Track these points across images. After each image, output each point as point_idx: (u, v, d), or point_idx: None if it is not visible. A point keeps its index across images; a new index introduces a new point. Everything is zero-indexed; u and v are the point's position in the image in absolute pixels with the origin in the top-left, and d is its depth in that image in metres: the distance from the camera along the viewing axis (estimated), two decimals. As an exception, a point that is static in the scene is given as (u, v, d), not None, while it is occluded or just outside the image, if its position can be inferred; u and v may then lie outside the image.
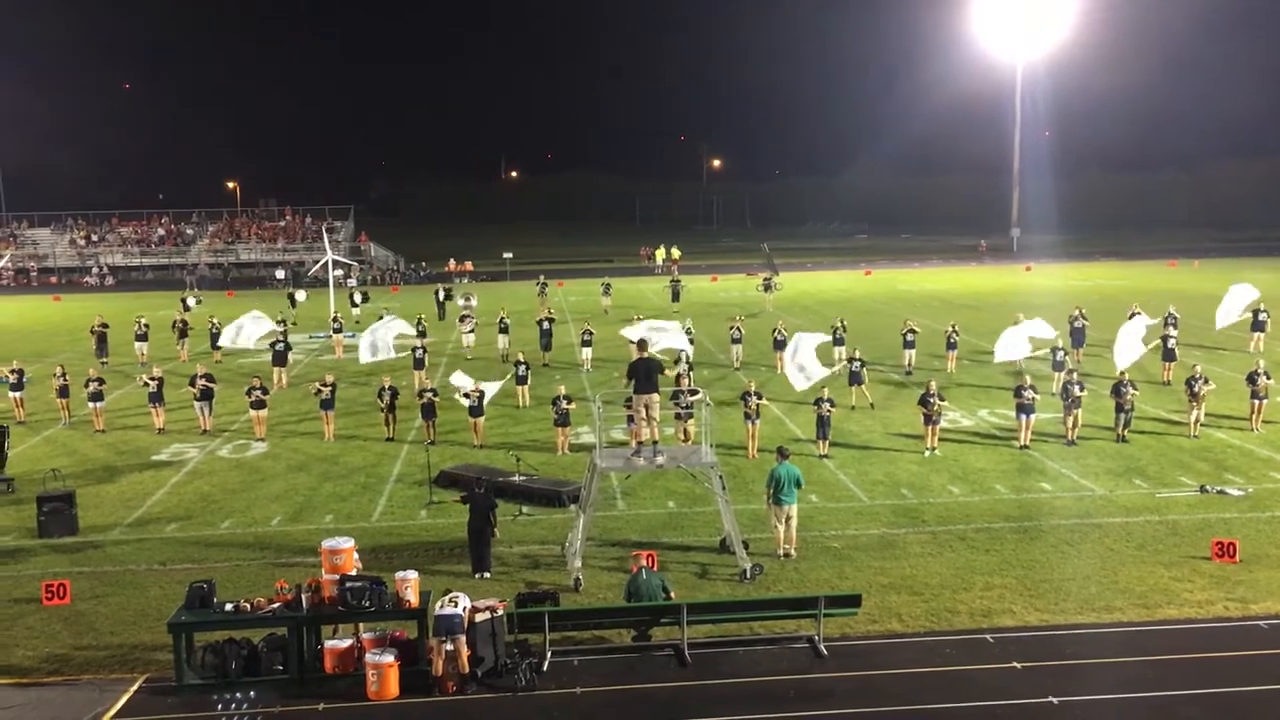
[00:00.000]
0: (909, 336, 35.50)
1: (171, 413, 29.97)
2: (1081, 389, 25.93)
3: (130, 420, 30.76)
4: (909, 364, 35.29)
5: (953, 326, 36.18)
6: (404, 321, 36.46)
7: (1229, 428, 26.78)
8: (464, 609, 14.22)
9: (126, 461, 26.37)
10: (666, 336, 30.76)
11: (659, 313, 51.08)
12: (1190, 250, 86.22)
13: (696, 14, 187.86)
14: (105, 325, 41.13)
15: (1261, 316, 37.51)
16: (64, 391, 30.45)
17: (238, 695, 14.12)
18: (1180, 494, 21.76)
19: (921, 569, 17.95)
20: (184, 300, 53.58)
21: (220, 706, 13.84)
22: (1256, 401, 26.64)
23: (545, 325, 39.30)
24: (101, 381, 30.12)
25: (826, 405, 25.18)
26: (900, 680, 14.17)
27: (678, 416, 25.58)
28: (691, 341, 36.94)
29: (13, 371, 31.24)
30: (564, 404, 25.80)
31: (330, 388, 28.01)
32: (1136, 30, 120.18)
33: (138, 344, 40.43)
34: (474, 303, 47.88)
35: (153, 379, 29.59)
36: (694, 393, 25.03)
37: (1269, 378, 26.91)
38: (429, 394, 27.47)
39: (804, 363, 27.78)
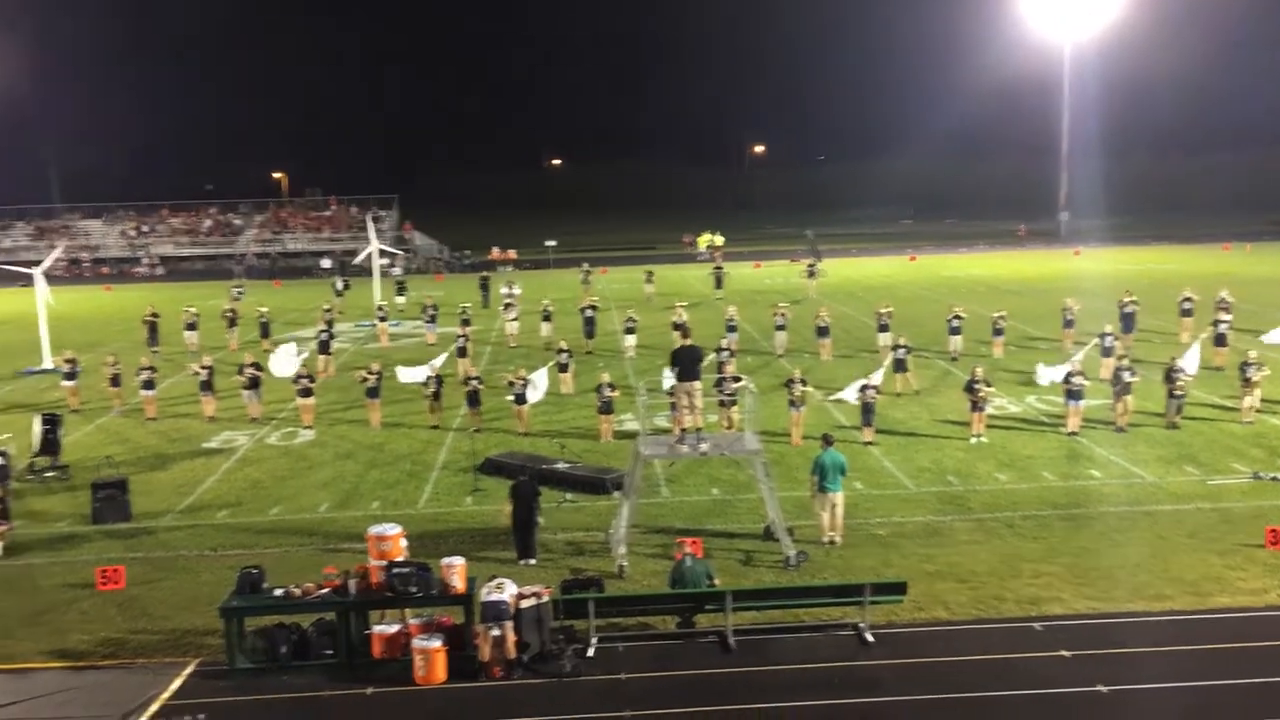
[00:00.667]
0: (955, 323, 35.17)
1: (221, 401, 30.37)
2: (1132, 375, 25.56)
3: (181, 408, 31.23)
4: (955, 350, 34.97)
5: (1000, 312, 35.80)
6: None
7: (1284, 414, 26.30)
8: (510, 595, 14.31)
9: (178, 449, 26.79)
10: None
11: (702, 300, 51.09)
12: (1243, 234, 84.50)
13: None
14: (156, 315, 41.75)
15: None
16: (116, 380, 30.95)
17: (288, 679, 14.31)
18: (1233, 481, 21.41)
19: (968, 556, 17.81)
20: (232, 292, 54.30)
21: (271, 690, 14.03)
22: None
23: (589, 313, 39.37)
24: (153, 370, 30.60)
25: (871, 392, 25.02)
26: (946, 668, 14.08)
27: (721, 404, 25.54)
28: (734, 328, 37.00)
29: (67, 361, 31.81)
30: (607, 391, 25.84)
31: (376, 375, 28.25)
32: (1188, 9, 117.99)
33: (187, 333, 41.02)
34: (517, 291, 48.02)
35: (203, 368, 30.01)
36: (737, 379, 25.00)
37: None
38: (474, 381, 27.63)
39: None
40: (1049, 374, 27.63)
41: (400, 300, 52.64)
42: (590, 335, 39.14)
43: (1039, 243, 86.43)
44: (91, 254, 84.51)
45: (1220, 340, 32.15)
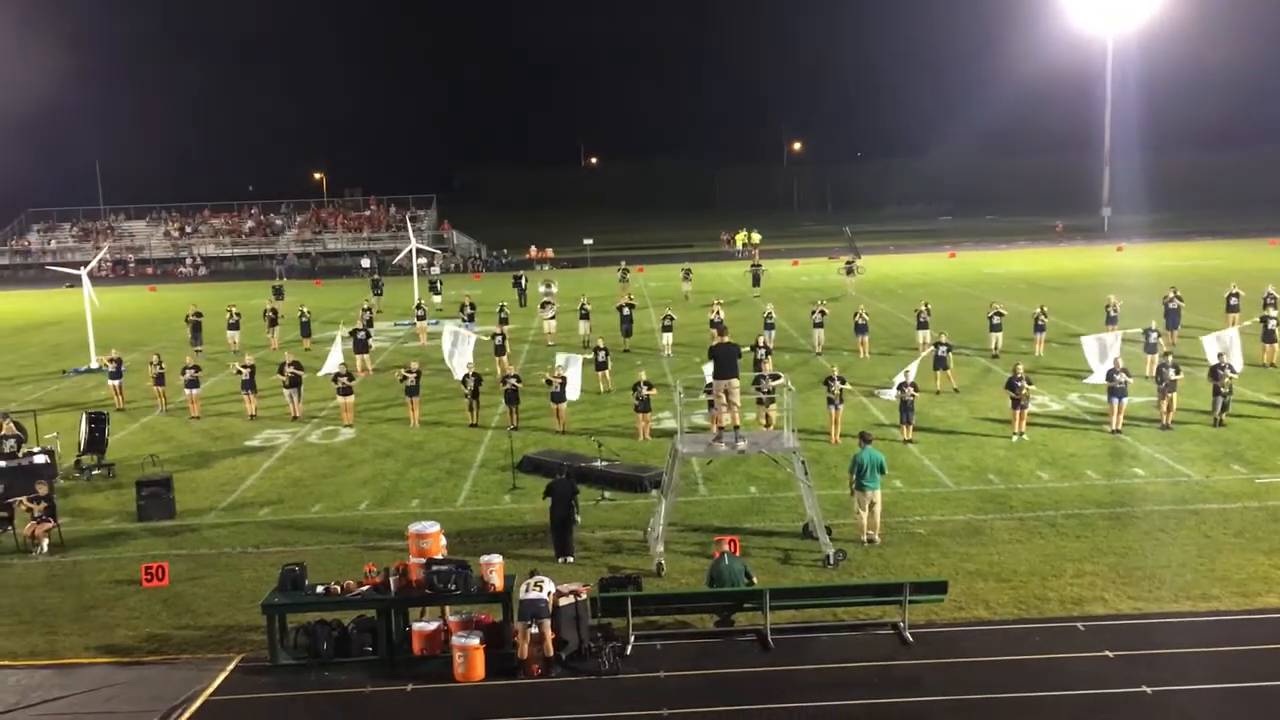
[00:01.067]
0: (995, 319, 34.85)
1: (263, 399, 30.69)
2: (1177, 372, 25.21)
3: (224, 407, 31.57)
4: (996, 347, 34.66)
5: (1041, 309, 35.45)
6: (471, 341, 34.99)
7: (1333, 411, 25.84)
8: (549, 593, 14.35)
9: (221, 447, 27.09)
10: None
11: (739, 297, 50.98)
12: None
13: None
14: (200, 314, 42.24)
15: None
16: (160, 379, 31.34)
17: (329, 675, 14.43)
18: (1281, 480, 21.07)
19: (1009, 556, 17.64)
20: (275, 289, 54.88)
21: (313, 686, 14.15)
22: None
23: (626, 311, 39.40)
24: (197, 369, 30.98)
25: (910, 390, 24.84)
26: (988, 668, 13.96)
27: (759, 401, 25.46)
28: (772, 326, 36.89)
29: (112, 360, 32.25)
30: (645, 390, 25.84)
31: (415, 374, 28.42)
32: (1232, 2, 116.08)
33: (230, 332, 41.47)
34: (555, 289, 48.17)
35: (245, 367, 30.32)
36: (775, 377, 24.90)
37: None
38: (512, 380, 27.73)
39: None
40: (1099, 366, 27.42)
41: (437, 299, 52.93)
42: (628, 333, 39.17)
43: (1081, 239, 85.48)
44: (136, 255, 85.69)
45: (1269, 337, 31.67)
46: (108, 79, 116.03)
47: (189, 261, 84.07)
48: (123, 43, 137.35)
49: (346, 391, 28.57)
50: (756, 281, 54.35)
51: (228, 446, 27.12)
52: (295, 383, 29.62)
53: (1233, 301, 36.52)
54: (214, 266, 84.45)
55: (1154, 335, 30.92)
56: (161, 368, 31.44)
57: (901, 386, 25.02)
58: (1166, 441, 24.02)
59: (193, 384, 30.41)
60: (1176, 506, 19.78)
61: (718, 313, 37.34)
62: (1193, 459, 22.67)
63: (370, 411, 30.02)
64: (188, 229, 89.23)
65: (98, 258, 47.83)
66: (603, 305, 45.15)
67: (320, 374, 32.39)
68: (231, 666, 14.77)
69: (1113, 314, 35.65)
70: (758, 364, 28.19)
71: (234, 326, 41.60)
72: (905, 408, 24.85)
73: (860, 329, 35.55)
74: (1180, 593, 15.95)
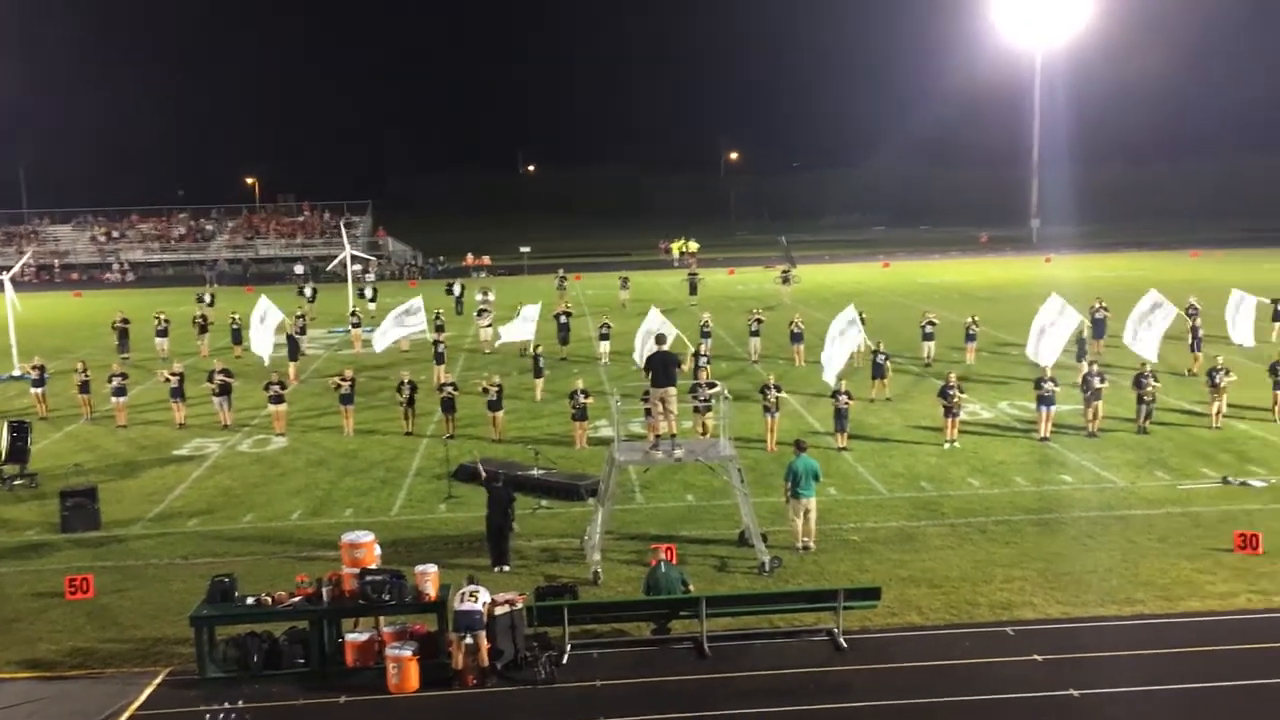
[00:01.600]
0: (928, 329, 35.36)
1: (192, 408, 30.13)
2: (1102, 380, 25.80)
3: (151, 415, 30.95)
4: (928, 356, 35.16)
5: (972, 318, 36.05)
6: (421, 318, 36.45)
7: (1252, 419, 26.57)
8: (484, 604, 14.24)
9: (148, 456, 26.55)
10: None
11: (676, 305, 51.13)
12: (1213, 240, 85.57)
13: (714, 5, 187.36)
14: (127, 321, 41.42)
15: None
16: (85, 387, 30.65)
17: (259, 688, 14.20)
18: (1202, 486, 21.61)
19: (941, 562, 17.89)
20: (200, 297, 53.92)
21: (243, 700, 13.92)
22: (1279, 392, 26.43)
23: (563, 319, 39.34)
24: (124, 377, 30.33)
25: (844, 398, 25.11)
26: (920, 673, 14.13)
27: (696, 410, 25.57)
28: (709, 334, 37.05)
29: (34, 368, 31.48)
30: (581, 398, 25.81)
31: (350, 382, 28.12)
32: (1158, 17, 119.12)
33: (158, 339, 40.71)
34: (491, 297, 47.93)
35: (173, 374, 29.77)
36: (712, 385, 25.02)
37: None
38: (448, 388, 27.55)
39: (834, 354, 27.99)
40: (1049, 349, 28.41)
41: (371, 306, 52.40)
42: (565, 341, 39.12)
43: (1010, 250, 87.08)
44: (60, 260, 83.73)
45: (1197, 345, 32.55)
46: (33, 80, 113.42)
47: (116, 267, 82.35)
48: (48, 44, 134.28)
49: (278, 400, 28.16)
50: (693, 290, 54.61)
51: (155, 456, 26.58)
52: (225, 391, 29.14)
53: (1156, 313, 37.27)
54: (142, 272, 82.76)
55: (1084, 344, 31.67)
56: (87, 375, 30.75)
57: (836, 394, 25.27)
58: (1093, 448, 24.54)
59: (119, 392, 29.77)
60: (1102, 513, 20.21)
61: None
62: (1118, 466, 23.18)
63: (303, 420, 29.63)
64: (115, 234, 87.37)
65: (20, 262, 46.65)
66: (540, 313, 44.95)
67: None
68: (159, 680, 14.47)
69: (971, 332, 36.26)
70: (696, 372, 28.30)
71: (162, 334, 40.83)
72: (840, 415, 25.10)
73: (796, 337, 35.89)
74: (1106, 597, 16.29)
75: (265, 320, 35.86)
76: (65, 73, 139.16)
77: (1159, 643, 14.78)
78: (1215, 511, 19.98)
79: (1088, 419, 25.78)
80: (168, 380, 29.90)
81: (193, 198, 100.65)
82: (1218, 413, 26.03)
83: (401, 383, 28.07)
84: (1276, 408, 26.53)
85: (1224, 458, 23.49)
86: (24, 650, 15.50)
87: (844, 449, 24.86)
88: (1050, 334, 28.97)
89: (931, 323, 35.57)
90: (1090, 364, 27.09)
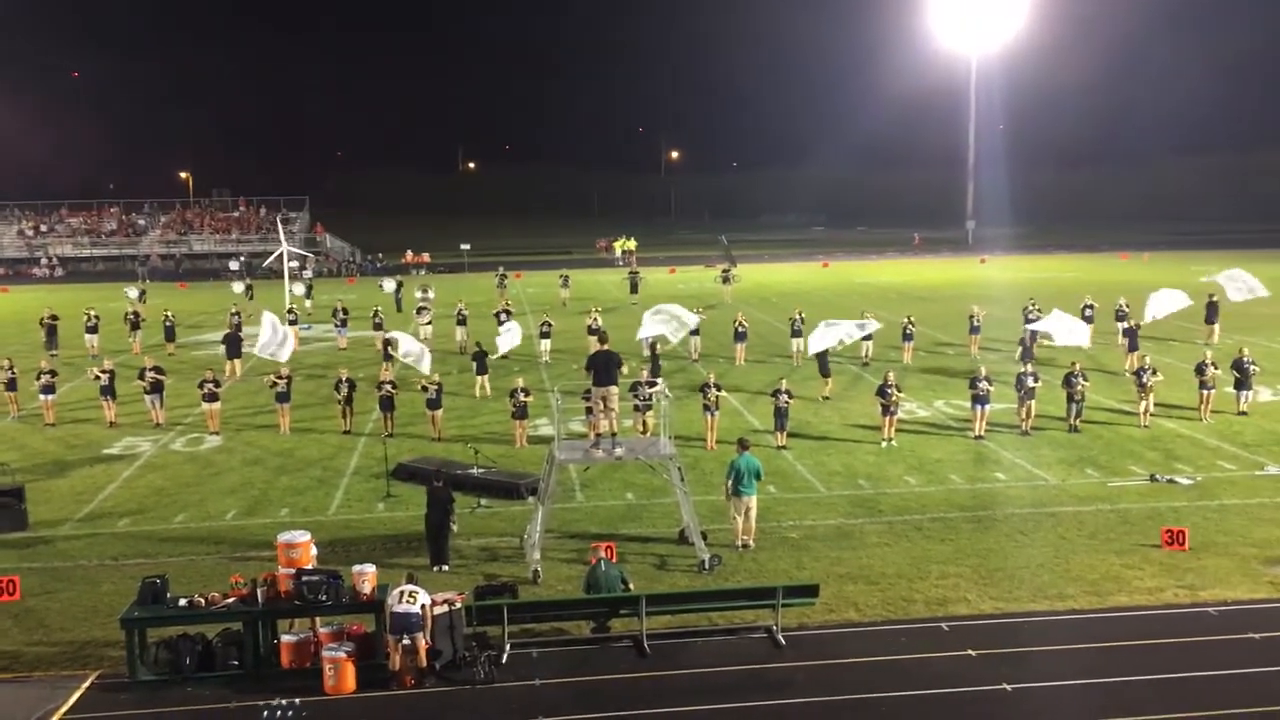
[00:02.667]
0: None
1: (123, 406, 29.53)
2: (1035, 380, 26.28)
3: (81, 414, 30.29)
4: (866, 355, 35.53)
5: (909, 318, 36.49)
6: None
7: (1178, 418, 27.22)
8: (421, 605, 14.09)
9: (77, 455, 25.98)
10: (675, 323, 31.38)
11: (617, 305, 51.16)
12: (1141, 243, 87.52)
13: (655, 5, 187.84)
14: (55, 317, 40.48)
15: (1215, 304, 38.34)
16: (12, 385, 29.92)
17: (192, 691, 13.97)
18: (1131, 483, 22.09)
19: (878, 559, 18.10)
20: (128, 292, 52.93)
21: (174, 703, 13.68)
22: (1205, 392, 27.11)
23: (503, 317, 39.15)
24: (53, 374, 29.63)
25: (784, 397, 25.28)
26: (857, 669, 14.29)
27: (636, 408, 25.58)
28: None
29: None
30: (521, 396, 25.71)
31: (286, 380, 27.76)
32: (1089, 26, 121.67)
33: (88, 336, 39.86)
34: (431, 295, 47.59)
35: (103, 372, 29.16)
36: (652, 384, 25.07)
37: (1217, 368, 27.39)
38: (387, 386, 27.30)
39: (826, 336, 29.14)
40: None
41: (308, 304, 51.75)
42: (505, 340, 38.90)
43: (947, 251, 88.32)
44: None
45: (1134, 346, 33.29)
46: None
47: (44, 262, 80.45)
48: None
49: (212, 398, 27.71)
50: (634, 289, 54.64)
51: (85, 455, 26.02)
52: (157, 388, 28.60)
53: (1088, 313, 38.13)
54: (71, 267, 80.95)
55: (1025, 342, 32.43)
56: (14, 372, 30.02)
57: (775, 393, 25.43)
58: (1026, 447, 24.98)
59: (48, 390, 29.08)
60: (1034, 510, 20.58)
61: (595, 319, 37.39)
62: (1050, 464, 23.62)
63: (238, 418, 29.18)
64: (43, 228, 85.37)
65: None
66: (480, 311, 44.79)
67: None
68: (88, 684, 14.17)
69: (976, 324, 36.90)
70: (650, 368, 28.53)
71: (92, 330, 39.98)
72: (779, 414, 25.26)
73: (740, 336, 36.08)
74: (1038, 593, 16.59)
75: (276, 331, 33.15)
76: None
77: (1089, 637, 15.08)
78: (1143, 508, 20.44)
79: (1021, 418, 26.25)
80: (97, 378, 29.27)
81: (124, 192, 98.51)
82: (1145, 411, 26.62)
83: (339, 380, 27.75)
84: (1203, 407, 27.20)
85: (1152, 456, 24.04)
86: (-53, 654, 15.10)
87: (783, 447, 25.04)
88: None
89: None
90: (1026, 363, 27.61)
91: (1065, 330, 29.99)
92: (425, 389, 26.77)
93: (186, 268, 79.49)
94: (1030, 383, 26.10)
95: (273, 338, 29.70)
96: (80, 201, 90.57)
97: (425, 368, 28.20)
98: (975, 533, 19.32)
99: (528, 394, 25.95)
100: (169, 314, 41.71)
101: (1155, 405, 26.97)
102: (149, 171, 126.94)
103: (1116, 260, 76.07)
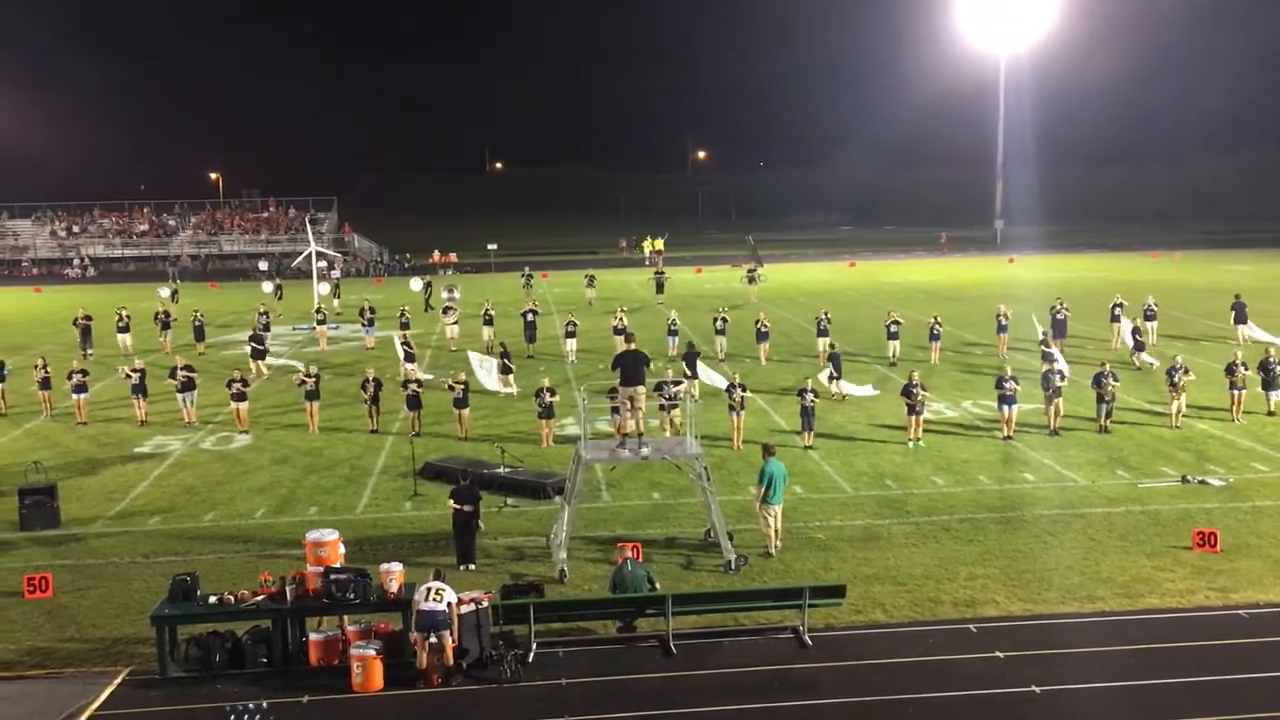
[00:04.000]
0: (893, 328, 35.58)
1: (154, 405, 29.82)
2: (1062, 379, 26.11)
3: (112, 412, 30.59)
4: (894, 355, 35.38)
5: (936, 318, 36.31)
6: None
7: (1210, 419, 26.94)
8: (448, 604, 14.13)
9: (109, 454, 26.24)
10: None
11: (643, 305, 51.18)
12: (1172, 242, 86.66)
13: (684, 5, 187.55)
14: (89, 317, 40.85)
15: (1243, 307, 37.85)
16: (46, 384, 30.24)
17: (221, 688, 14.08)
18: (1162, 484, 21.88)
19: (905, 560, 18.01)
20: (160, 292, 53.37)
21: (204, 699, 13.79)
22: (1235, 392, 26.84)
23: (530, 317, 39.25)
24: (85, 374, 29.94)
25: (810, 396, 25.22)
26: (884, 670, 14.23)
27: (662, 408, 25.59)
28: (675, 333, 37.23)
29: None
30: (548, 396, 25.75)
31: (314, 379, 27.93)
32: (1120, 23, 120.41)
33: (120, 336, 40.25)
34: (458, 294, 47.80)
35: (135, 371, 29.45)
36: (678, 383, 25.07)
37: (1248, 369, 27.10)
38: (414, 385, 27.41)
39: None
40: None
41: (336, 304, 52.03)
42: (531, 339, 39.03)
43: (975, 250, 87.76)
44: (20, 255, 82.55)
45: (1139, 347, 33.12)
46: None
47: (77, 262, 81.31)
48: (8, 35, 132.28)
49: (240, 397, 27.92)
50: (660, 289, 54.60)
51: (116, 453, 26.28)
52: (188, 387, 28.85)
53: (1116, 312, 37.86)
54: (103, 268, 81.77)
55: (1046, 341, 32.15)
56: (47, 371, 30.34)
57: (801, 393, 25.39)
58: (1055, 447, 24.79)
59: (80, 389, 29.38)
60: (1064, 511, 20.42)
61: (621, 319, 37.45)
62: (1079, 465, 23.43)
63: (268, 417, 29.39)
64: (76, 229, 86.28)
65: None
66: (506, 310, 44.91)
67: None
68: (119, 680, 14.31)
69: (1003, 324, 36.68)
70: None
71: (124, 330, 40.37)
72: (806, 414, 25.20)
73: (762, 336, 36.05)
74: (1067, 594, 16.46)
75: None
76: (27, 67, 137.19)
77: (1119, 639, 14.95)
78: (1174, 510, 20.24)
79: (1049, 417, 26.06)
80: (129, 377, 29.56)
81: (155, 193, 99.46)
82: (1177, 412, 26.35)
83: (366, 380, 27.89)
84: (1234, 408, 26.92)
85: (1183, 457, 23.80)
86: (-19, 650, 15.28)
87: (810, 448, 24.96)
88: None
89: (897, 322, 35.80)
90: (1051, 363, 27.42)
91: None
92: (452, 388, 26.87)
93: (215, 268, 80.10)
94: (1057, 381, 25.97)
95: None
96: (112, 202, 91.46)
97: (492, 382, 29.67)
98: (1004, 534, 19.20)
99: (554, 393, 25.99)
100: (198, 314, 42.07)
101: (1186, 406, 26.68)
102: (180, 172, 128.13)
103: (1148, 259, 75.33)
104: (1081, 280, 59.70)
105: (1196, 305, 46.47)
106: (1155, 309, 37.14)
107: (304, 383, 27.98)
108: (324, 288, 54.58)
